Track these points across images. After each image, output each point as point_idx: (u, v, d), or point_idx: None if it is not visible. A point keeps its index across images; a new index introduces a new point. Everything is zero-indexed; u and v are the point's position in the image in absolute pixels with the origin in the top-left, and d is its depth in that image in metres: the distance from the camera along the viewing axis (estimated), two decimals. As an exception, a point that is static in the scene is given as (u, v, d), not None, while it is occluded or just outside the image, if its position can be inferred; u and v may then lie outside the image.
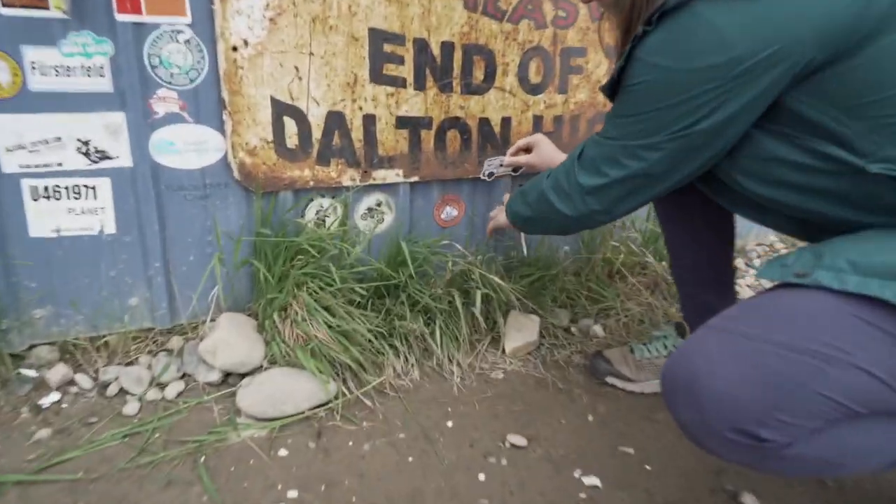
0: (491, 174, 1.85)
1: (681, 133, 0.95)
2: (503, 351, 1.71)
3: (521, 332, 1.75)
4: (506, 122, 1.82)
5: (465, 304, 1.72)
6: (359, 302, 1.61)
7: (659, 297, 1.97)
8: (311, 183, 1.64)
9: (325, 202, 1.70)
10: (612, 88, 1.05)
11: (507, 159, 1.80)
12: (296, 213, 1.66)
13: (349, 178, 1.68)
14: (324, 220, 1.71)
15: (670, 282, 1.99)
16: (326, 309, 1.50)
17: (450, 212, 1.89)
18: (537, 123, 1.87)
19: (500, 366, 1.67)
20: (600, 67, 1.89)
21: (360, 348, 1.51)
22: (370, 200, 1.76)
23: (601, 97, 1.92)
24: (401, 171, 1.74)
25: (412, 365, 1.60)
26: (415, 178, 1.77)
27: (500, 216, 1.64)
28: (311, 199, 1.68)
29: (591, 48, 1.86)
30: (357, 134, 1.65)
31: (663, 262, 2.03)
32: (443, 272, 1.78)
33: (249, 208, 1.61)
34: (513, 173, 1.88)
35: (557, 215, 1.24)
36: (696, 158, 0.99)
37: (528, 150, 1.76)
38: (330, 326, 1.48)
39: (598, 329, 1.86)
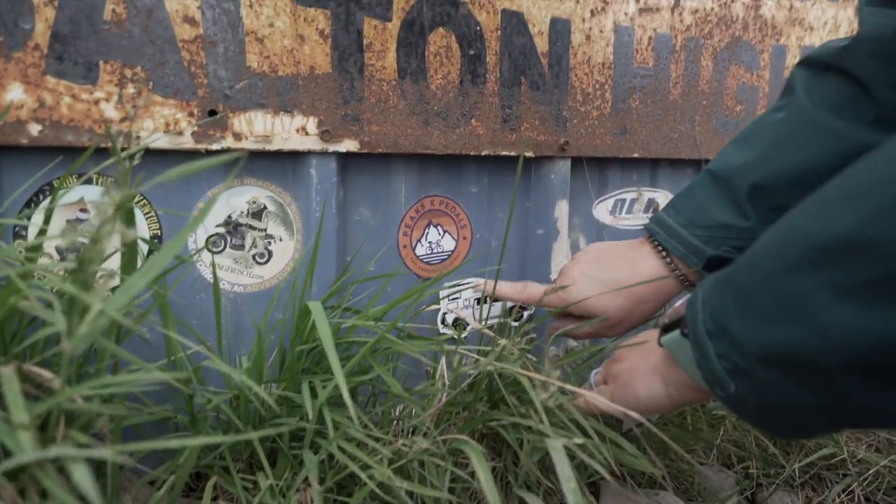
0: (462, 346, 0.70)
1: None
2: None
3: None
4: (559, 29, 0.79)
5: (498, 478, 0.60)
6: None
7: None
8: (37, 127, 0.55)
9: (90, 193, 0.60)
10: None
11: (506, 288, 0.73)
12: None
13: (163, 122, 0.60)
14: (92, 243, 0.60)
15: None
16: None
17: (436, 239, 0.80)
18: (622, 44, 0.85)
19: None
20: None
21: None
22: (235, 198, 0.67)
23: (742, 11, 0.93)
24: (313, 122, 0.67)
25: None
26: (350, 145, 0.69)
27: (634, 383, 0.58)
28: (46, 184, 0.58)
29: None
30: (190, 3, 0.60)
31: None
32: (429, 385, 0.66)
33: None
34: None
35: None
36: None
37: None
38: None
39: (819, 518, 0.74)
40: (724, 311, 0.44)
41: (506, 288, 0.73)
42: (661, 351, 0.56)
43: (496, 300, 0.79)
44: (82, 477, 0.33)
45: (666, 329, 0.52)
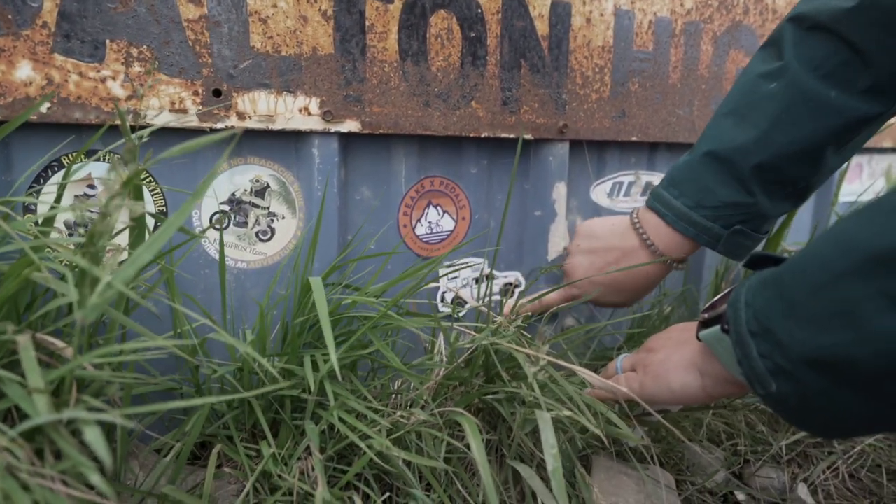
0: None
1: None
2: (611, 591, 0.59)
3: (642, 520, 0.64)
4: (560, 12, 0.80)
5: (493, 450, 0.62)
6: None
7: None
8: (45, 104, 0.56)
9: (97, 169, 0.61)
10: None
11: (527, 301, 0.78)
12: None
13: (168, 101, 0.61)
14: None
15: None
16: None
17: (435, 219, 0.82)
18: (622, 27, 0.86)
19: None
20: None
21: None
22: (238, 177, 0.69)
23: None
24: (315, 102, 0.68)
25: None
26: (352, 126, 0.71)
27: (668, 374, 0.58)
28: (54, 160, 0.60)
29: None
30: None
31: None
32: (426, 359, 0.68)
33: None
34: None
35: None
36: None
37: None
38: None
39: (803, 494, 0.76)
40: (768, 313, 0.44)
41: (554, 296, 0.79)
42: (698, 344, 0.56)
43: (543, 313, 0.80)
44: (94, 437, 0.35)
45: (705, 324, 0.53)
